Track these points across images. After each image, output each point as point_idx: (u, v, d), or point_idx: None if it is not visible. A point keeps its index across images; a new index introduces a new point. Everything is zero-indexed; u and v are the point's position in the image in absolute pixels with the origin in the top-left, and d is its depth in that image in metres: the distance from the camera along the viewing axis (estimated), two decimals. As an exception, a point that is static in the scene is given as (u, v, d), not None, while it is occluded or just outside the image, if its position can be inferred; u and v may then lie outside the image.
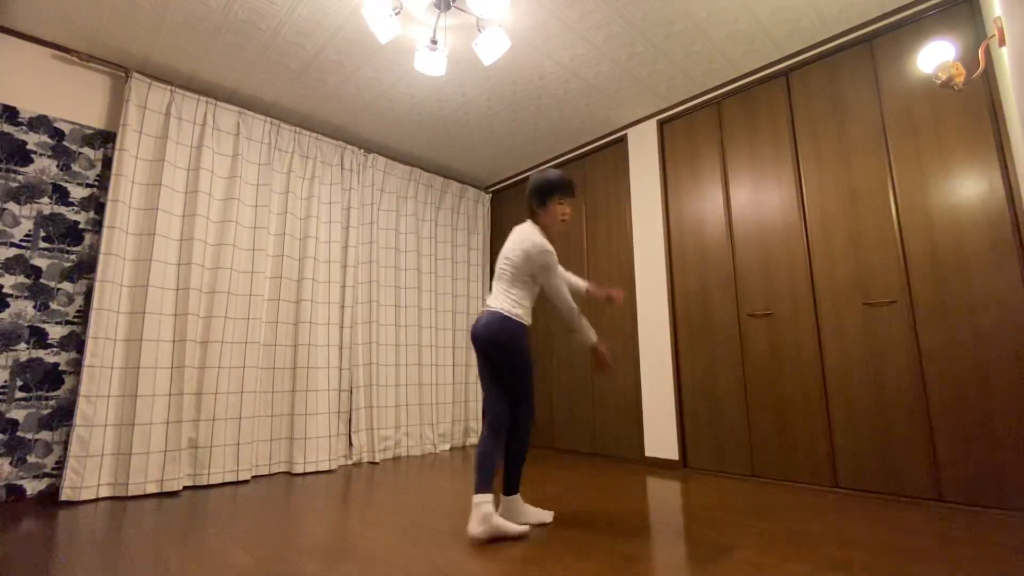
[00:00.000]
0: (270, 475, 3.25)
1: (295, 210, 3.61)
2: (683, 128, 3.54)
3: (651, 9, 2.63)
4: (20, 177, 2.73)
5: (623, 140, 3.90)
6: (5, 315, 2.61)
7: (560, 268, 2.17)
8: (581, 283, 2.35)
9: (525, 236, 2.07)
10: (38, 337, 2.69)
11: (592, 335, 2.11)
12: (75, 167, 2.91)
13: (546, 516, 2.12)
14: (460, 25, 2.75)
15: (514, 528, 1.93)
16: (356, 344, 3.76)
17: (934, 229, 2.45)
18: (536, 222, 2.15)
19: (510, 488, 2.10)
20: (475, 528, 1.88)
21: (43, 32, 2.79)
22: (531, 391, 2.09)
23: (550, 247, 2.04)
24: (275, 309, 3.44)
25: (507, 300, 2.05)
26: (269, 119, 3.54)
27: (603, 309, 3.85)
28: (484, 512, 1.88)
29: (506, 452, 2.09)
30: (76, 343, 2.80)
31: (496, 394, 2.06)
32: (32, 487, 2.58)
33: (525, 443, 2.10)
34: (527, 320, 2.07)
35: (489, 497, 1.92)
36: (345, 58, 3.02)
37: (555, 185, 2.11)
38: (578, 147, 4.22)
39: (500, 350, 2.00)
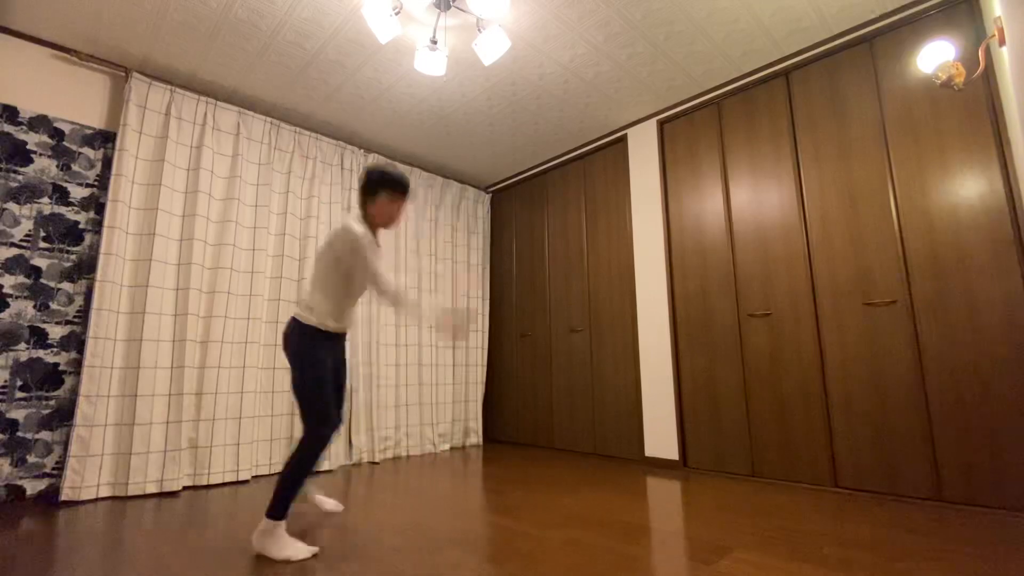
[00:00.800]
0: (270, 475, 3.25)
1: (295, 210, 3.61)
2: (683, 128, 3.54)
3: (651, 9, 2.63)
4: (20, 177, 2.73)
5: (623, 140, 3.90)
6: (5, 315, 2.61)
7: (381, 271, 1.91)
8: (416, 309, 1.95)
9: (336, 225, 1.93)
10: (38, 337, 2.69)
11: (421, 311, 1.90)
12: (75, 167, 2.91)
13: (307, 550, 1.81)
14: (460, 25, 2.75)
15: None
16: (356, 344, 3.76)
17: (934, 229, 2.45)
18: (363, 212, 2.04)
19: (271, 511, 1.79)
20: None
21: (43, 32, 2.79)
22: (315, 405, 1.85)
23: (358, 232, 1.87)
24: (275, 309, 3.44)
25: (303, 304, 1.96)
26: (269, 119, 3.54)
27: (602, 307, 3.85)
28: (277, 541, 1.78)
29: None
30: (76, 343, 2.80)
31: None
32: (32, 487, 2.58)
33: (301, 465, 1.80)
34: (322, 324, 1.92)
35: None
36: (345, 58, 3.02)
37: (387, 180, 2.01)
38: (578, 147, 4.22)
39: (288, 354, 1.92)
